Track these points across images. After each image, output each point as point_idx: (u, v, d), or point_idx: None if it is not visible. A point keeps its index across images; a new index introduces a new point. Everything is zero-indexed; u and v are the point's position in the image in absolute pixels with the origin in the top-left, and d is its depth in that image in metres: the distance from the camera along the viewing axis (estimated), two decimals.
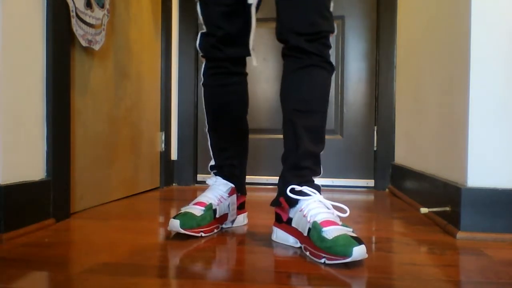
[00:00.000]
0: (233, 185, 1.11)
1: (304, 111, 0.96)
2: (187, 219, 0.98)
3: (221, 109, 1.11)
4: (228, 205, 1.09)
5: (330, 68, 0.99)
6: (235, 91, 1.11)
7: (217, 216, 1.06)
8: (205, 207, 1.03)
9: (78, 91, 1.32)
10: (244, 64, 1.11)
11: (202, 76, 1.12)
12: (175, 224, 0.97)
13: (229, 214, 1.09)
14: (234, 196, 1.11)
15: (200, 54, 1.09)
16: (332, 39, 0.98)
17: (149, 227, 1.14)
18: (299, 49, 0.95)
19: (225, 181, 1.10)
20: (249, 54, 1.05)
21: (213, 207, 1.04)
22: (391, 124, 1.98)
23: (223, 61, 1.06)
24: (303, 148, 0.95)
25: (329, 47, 0.98)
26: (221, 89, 1.09)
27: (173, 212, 1.41)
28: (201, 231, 1.01)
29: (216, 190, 1.08)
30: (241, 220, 1.17)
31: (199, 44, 1.07)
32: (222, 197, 1.08)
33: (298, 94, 0.97)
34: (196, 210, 1.02)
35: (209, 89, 1.11)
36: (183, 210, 1.03)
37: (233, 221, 1.13)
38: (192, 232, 0.98)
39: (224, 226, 1.11)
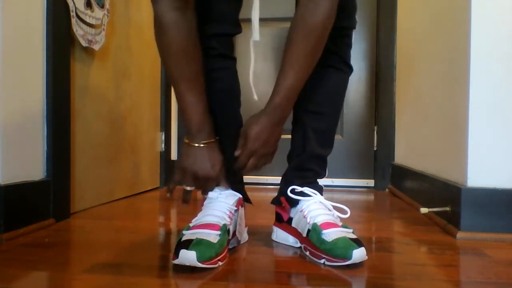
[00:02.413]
0: (240, 195, 0.94)
1: (316, 113, 0.94)
2: (204, 250, 0.77)
3: (214, 99, 0.91)
4: (236, 221, 0.92)
5: (347, 70, 0.96)
6: (227, 78, 0.95)
7: (229, 237, 0.88)
8: (220, 230, 0.83)
9: (78, 91, 1.32)
10: (233, 46, 0.95)
11: None
12: (190, 257, 0.75)
13: (236, 232, 0.92)
14: (242, 209, 0.96)
15: None
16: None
17: (149, 227, 1.14)
18: None
19: (230, 191, 0.93)
20: (238, 32, 0.93)
21: (227, 227, 0.86)
22: (391, 124, 1.98)
23: (213, 40, 0.89)
24: (310, 150, 0.94)
25: (350, 46, 0.95)
26: (212, 74, 0.91)
27: (173, 213, 1.41)
28: (218, 260, 0.80)
29: (223, 204, 0.89)
30: (244, 236, 0.99)
31: None
32: (231, 212, 0.89)
33: (312, 95, 0.94)
34: (211, 235, 0.81)
35: None
36: (190, 235, 0.81)
37: (240, 240, 0.95)
38: (210, 264, 0.77)
39: (230, 246, 0.91)
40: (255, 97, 1.00)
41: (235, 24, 0.93)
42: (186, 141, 0.87)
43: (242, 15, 0.96)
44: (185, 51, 0.81)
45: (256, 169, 0.89)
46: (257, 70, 2.06)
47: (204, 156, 0.86)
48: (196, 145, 0.85)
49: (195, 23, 0.83)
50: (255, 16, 0.91)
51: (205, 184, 0.88)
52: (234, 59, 0.97)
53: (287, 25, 1.01)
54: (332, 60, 0.92)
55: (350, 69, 0.97)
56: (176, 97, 0.86)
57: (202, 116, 0.85)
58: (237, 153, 0.88)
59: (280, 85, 0.84)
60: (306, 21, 0.80)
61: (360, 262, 0.82)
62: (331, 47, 0.89)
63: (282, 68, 0.84)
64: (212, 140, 0.87)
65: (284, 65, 0.83)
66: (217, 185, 0.90)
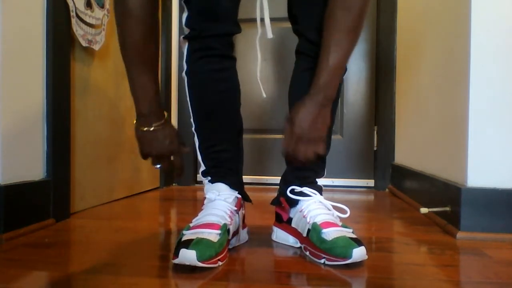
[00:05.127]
0: (239, 195, 0.94)
1: None
2: (204, 249, 0.76)
3: (216, 100, 0.92)
4: (237, 221, 0.91)
5: None
6: (229, 78, 0.95)
7: (230, 237, 0.88)
8: (220, 229, 0.82)
9: (78, 91, 1.32)
10: (233, 46, 0.96)
11: (184, 63, 0.93)
12: (190, 257, 0.74)
13: (237, 232, 0.93)
14: (242, 209, 0.96)
15: (186, 33, 0.91)
16: None
17: (149, 227, 1.14)
18: (315, 45, 0.91)
19: (230, 191, 0.93)
20: (238, 31, 0.93)
21: (227, 227, 0.85)
22: (391, 124, 1.98)
23: (214, 40, 0.89)
24: None
25: None
26: (214, 75, 0.91)
27: (173, 213, 1.41)
28: (218, 260, 0.80)
29: (223, 204, 0.89)
30: (244, 236, 0.99)
31: (187, 21, 0.90)
32: (231, 211, 0.89)
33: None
34: (212, 235, 0.80)
35: (199, 77, 0.92)
36: (190, 234, 0.81)
37: (240, 240, 0.96)
38: (210, 264, 0.77)
39: (229, 246, 0.91)
40: (264, 94, 1.00)
41: (235, 24, 0.93)
42: (138, 126, 0.86)
43: (243, 15, 0.96)
44: (146, 34, 0.81)
45: (307, 159, 0.85)
46: (256, 69, 2.06)
47: (161, 136, 0.86)
48: (150, 129, 0.86)
49: (158, 6, 0.83)
50: (266, 14, 0.92)
51: (169, 161, 0.90)
52: (234, 59, 0.97)
53: (286, 24, 1.02)
54: None
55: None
56: (129, 80, 0.85)
57: (154, 99, 0.85)
58: (284, 143, 0.86)
59: (323, 65, 0.83)
60: None
61: (360, 262, 0.82)
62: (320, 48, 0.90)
63: (324, 46, 0.83)
64: (163, 120, 0.87)
65: (326, 43, 0.83)
66: (181, 157, 0.91)
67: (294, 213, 0.94)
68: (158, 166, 0.90)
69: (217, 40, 0.90)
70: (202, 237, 0.79)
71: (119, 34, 0.81)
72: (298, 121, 0.83)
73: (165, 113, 0.88)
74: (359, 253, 0.78)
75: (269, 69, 2.07)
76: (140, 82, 0.83)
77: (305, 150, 0.84)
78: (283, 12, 1.00)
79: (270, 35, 0.93)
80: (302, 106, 0.84)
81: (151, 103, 0.84)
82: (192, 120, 0.96)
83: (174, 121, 2.08)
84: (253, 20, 0.95)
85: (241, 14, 0.97)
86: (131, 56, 0.82)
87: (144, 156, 0.88)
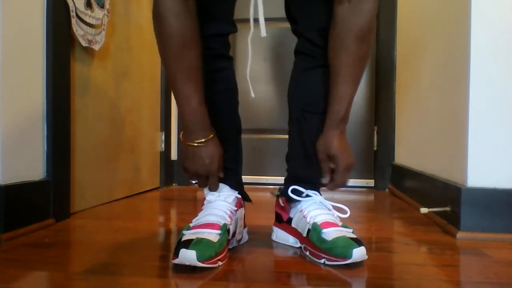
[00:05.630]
0: (239, 195, 0.94)
1: (311, 113, 0.94)
2: (204, 249, 0.76)
3: (214, 100, 0.91)
4: (237, 220, 0.91)
5: None
6: (227, 78, 0.95)
7: (229, 237, 0.88)
8: (220, 229, 0.82)
9: (78, 91, 1.32)
10: (230, 46, 0.96)
11: None
12: (190, 257, 0.74)
13: (236, 232, 0.92)
14: (242, 209, 0.96)
15: None
16: None
17: (149, 227, 1.14)
18: (314, 45, 0.92)
19: (230, 191, 0.92)
20: (235, 31, 0.93)
21: (227, 227, 0.85)
22: (391, 124, 1.98)
23: (212, 40, 0.89)
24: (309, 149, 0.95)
25: None
26: (213, 75, 0.90)
27: (173, 213, 1.41)
28: (218, 260, 0.79)
29: (223, 204, 0.89)
30: (244, 236, 0.99)
31: None
32: (231, 211, 0.89)
33: (308, 94, 0.95)
34: (212, 235, 0.80)
35: None
36: (190, 234, 0.80)
37: (240, 240, 0.96)
38: (210, 264, 0.77)
39: (229, 246, 0.90)
40: (252, 94, 1.00)
41: (231, 23, 0.93)
42: (183, 139, 0.86)
43: (241, 15, 0.96)
44: (184, 40, 0.80)
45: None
46: (255, 69, 2.06)
47: (203, 154, 0.86)
48: (194, 144, 0.85)
49: (195, 12, 0.82)
50: (260, 12, 0.91)
51: (207, 181, 0.90)
52: (232, 59, 0.97)
53: (286, 24, 1.02)
54: (322, 60, 0.91)
55: None
56: (173, 92, 0.84)
57: (198, 111, 0.84)
58: (325, 180, 0.91)
59: (342, 96, 0.87)
60: (355, 26, 0.82)
61: (360, 262, 0.82)
62: (319, 48, 0.91)
63: (338, 76, 0.86)
64: (210, 136, 0.86)
65: (341, 73, 0.86)
66: (219, 179, 0.91)
67: (294, 213, 0.94)
68: (194, 182, 0.90)
69: (215, 40, 0.90)
70: (202, 237, 0.79)
71: (158, 44, 0.81)
72: (340, 155, 0.88)
73: (213, 131, 0.87)
74: (359, 253, 0.78)
75: (267, 69, 2.07)
76: (183, 92, 0.82)
77: (348, 176, 0.91)
78: (282, 12, 1.00)
79: (263, 33, 0.92)
80: (333, 141, 0.88)
81: (195, 116, 0.84)
82: None
83: (174, 122, 2.08)
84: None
85: (241, 14, 0.97)
86: (172, 66, 0.81)
87: (184, 169, 0.89)
